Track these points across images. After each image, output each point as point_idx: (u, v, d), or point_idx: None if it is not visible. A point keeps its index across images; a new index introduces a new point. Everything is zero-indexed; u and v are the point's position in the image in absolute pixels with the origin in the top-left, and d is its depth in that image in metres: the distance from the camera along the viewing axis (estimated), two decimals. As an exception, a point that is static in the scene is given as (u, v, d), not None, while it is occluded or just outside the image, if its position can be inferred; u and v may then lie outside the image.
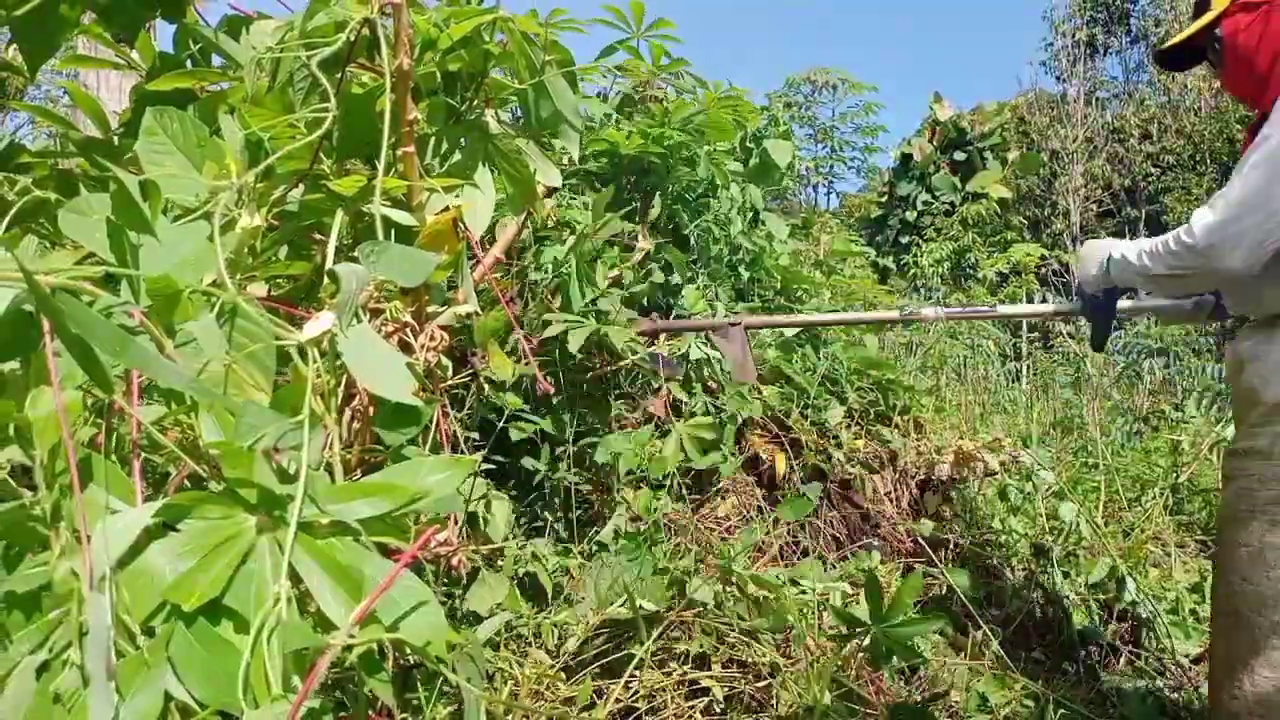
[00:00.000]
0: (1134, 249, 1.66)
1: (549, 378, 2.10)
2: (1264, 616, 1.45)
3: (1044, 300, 8.22)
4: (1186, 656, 2.26)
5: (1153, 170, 16.23)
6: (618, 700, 1.67)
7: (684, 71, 2.63)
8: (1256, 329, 1.58)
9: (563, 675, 1.76)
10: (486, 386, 2.07)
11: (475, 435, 2.13)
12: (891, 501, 2.72)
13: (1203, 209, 1.48)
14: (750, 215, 3.01)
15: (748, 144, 3.08)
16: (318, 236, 1.11)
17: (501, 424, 2.13)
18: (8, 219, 0.84)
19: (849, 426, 2.80)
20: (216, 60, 1.21)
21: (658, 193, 2.72)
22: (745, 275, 3.00)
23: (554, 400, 2.31)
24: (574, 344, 2.16)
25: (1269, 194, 1.40)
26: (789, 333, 2.86)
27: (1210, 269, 1.48)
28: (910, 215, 11.53)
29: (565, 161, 2.27)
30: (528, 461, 2.23)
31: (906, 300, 4.99)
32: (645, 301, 2.64)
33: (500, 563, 1.88)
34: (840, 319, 2.69)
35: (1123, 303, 1.91)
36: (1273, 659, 1.44)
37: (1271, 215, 1.41)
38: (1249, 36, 1.53)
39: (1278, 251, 1.44)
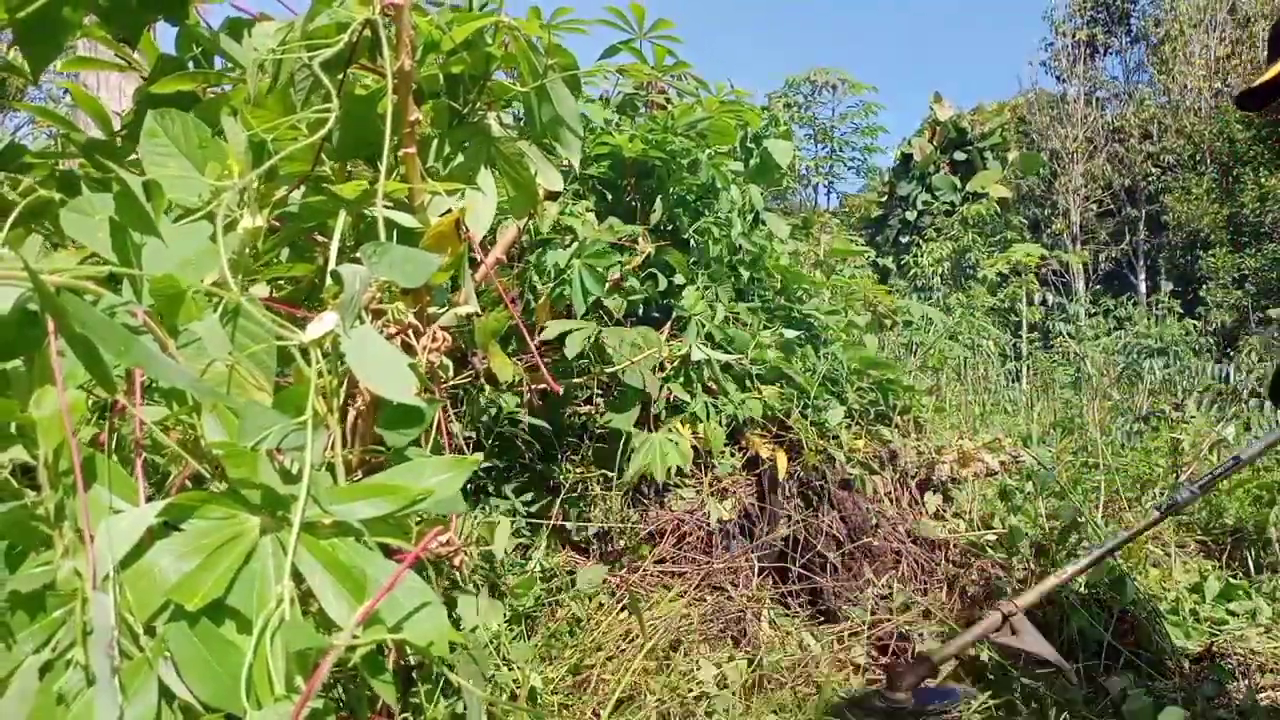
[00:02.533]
0: None
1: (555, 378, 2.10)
2: None
3: (1043, 301, 8.21)
4: (1186, 656, 2.26)
5: (1153, 170, 16.22)
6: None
7: (686, 74, 2.62)
8: None
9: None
10: (488, 387, 2.07)
11: (473, 435, 2.14)
12: (891, 501, 2.72)
13: None
14: (751, 216, 3.00)
15: (748, 144, 3.08)
16: (319, 238, 1.11)
17: (498, 428, 2.13)
18: (11, 219, 0.84)
19: (849, 426, 2.80)
20: (219, 62, 1.21)
21: (658, 195, 2.72)
22: (745, 276, 2.99)
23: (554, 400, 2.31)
24: (571, 349, 2.17)
25: None
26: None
27: None
28: (910, 215, 11.54)
29: (565, 164, 2.26)
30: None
31: (907, 300, 4.97)
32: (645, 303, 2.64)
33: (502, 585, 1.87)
34: (1104, 551, 2.02)
35: None
36: None
37: None
38: None
39: None
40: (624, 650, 2.01)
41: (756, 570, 2.43)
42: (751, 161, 3.05)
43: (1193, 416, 4.15)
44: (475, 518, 1.90)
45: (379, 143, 0.94)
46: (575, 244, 2.30)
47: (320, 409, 0.79)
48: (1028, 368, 6.36)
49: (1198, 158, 15.59)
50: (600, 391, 2.43)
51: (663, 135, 2.60)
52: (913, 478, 2.83)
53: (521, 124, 1.31)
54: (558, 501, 2.29)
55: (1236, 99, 1.73)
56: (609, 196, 2.78)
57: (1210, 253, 13.70)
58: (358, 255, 0.85)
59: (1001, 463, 2.88)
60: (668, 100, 2.97)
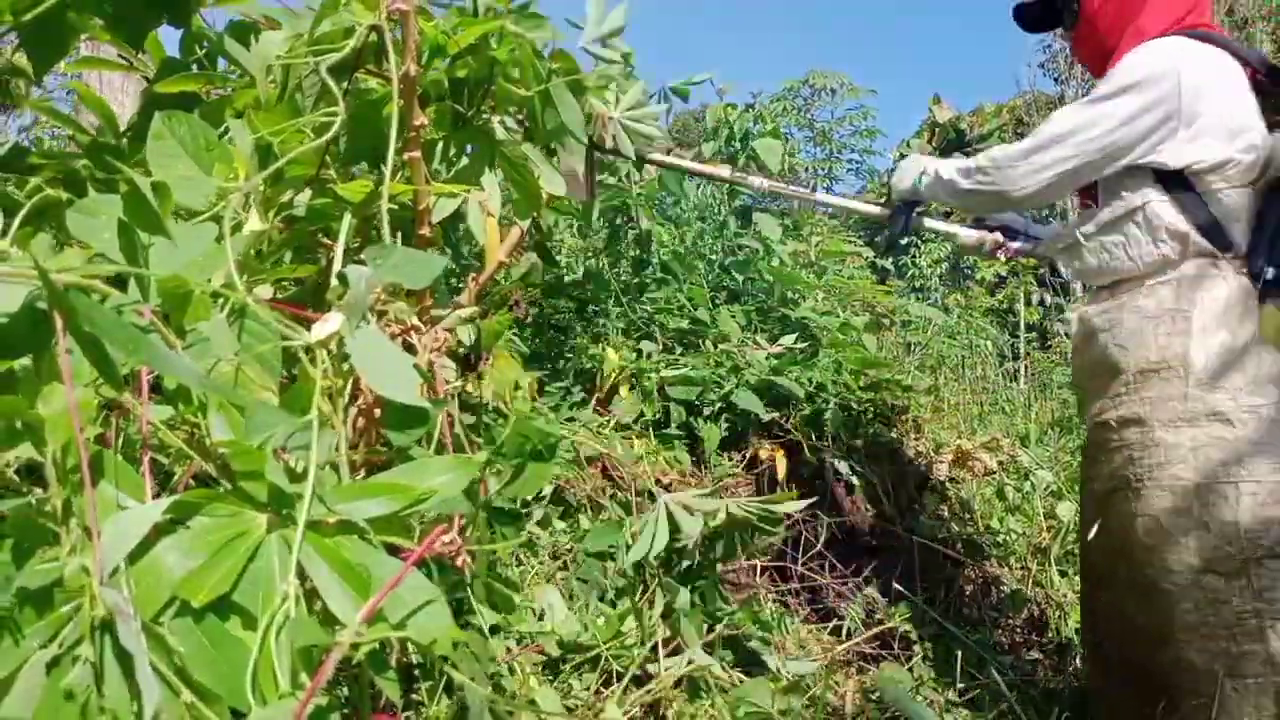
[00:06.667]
0: (950, 166, 1.80)
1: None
2: (1173, 584, 1.48)
3: (1041, 301, 8.22)
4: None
5: (1150, 172, 16.22)
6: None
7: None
8: (1102, 297, 1.69)
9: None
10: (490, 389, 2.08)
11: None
12: (890, 501, 2.73)
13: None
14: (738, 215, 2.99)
15: (732, 143, 3.05)
16: (324, 240, 1.12)
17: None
18: (19, 219, 0.85)
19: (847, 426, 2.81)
20: (222, 64, 1.21)
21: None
22: (738, 279, 2.99)
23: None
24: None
25: (1081, 135, 1.57)
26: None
27: (997, 190, 1.66)
28: (909, 216, 11.51)
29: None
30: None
31: (905, 301, 4.98)
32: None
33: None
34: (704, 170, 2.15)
35: (930, 221, 2.04)
36: (1188, 622, 1.46)
37: (1076, 151, 1.57)
38: (1104, 15, 1.69)
39: (1113, 219, 1.60)
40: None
41: (758, 570, 2.44)
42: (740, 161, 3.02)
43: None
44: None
45: (384, 146, 0.95)
46: None
47: (325, 409, 0.80)
48: (1025, 368, 6.38)
49: (1196, 160, 15.59)
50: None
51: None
52: (911, 477, 2.84)
53: (524, 126, 1.31)
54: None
55: (1012, 13, 1.91)
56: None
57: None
58: (362, 257, 0.86)
59: (1000, 462, 2.89)
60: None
